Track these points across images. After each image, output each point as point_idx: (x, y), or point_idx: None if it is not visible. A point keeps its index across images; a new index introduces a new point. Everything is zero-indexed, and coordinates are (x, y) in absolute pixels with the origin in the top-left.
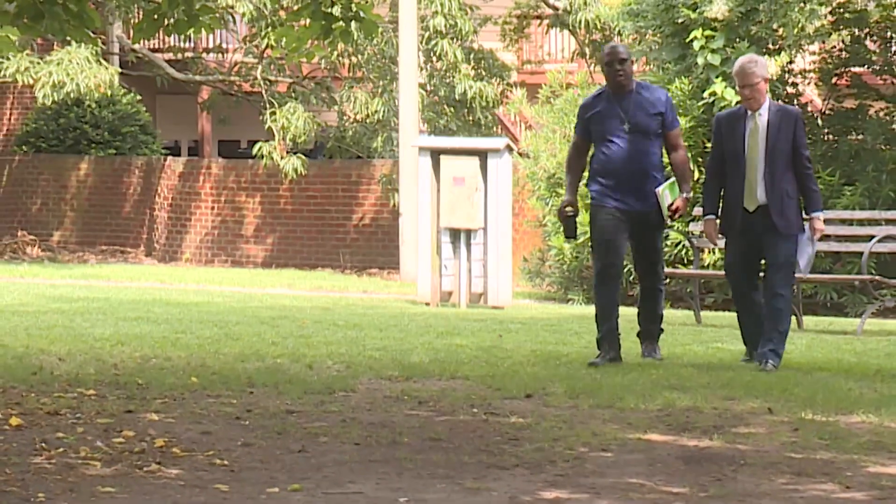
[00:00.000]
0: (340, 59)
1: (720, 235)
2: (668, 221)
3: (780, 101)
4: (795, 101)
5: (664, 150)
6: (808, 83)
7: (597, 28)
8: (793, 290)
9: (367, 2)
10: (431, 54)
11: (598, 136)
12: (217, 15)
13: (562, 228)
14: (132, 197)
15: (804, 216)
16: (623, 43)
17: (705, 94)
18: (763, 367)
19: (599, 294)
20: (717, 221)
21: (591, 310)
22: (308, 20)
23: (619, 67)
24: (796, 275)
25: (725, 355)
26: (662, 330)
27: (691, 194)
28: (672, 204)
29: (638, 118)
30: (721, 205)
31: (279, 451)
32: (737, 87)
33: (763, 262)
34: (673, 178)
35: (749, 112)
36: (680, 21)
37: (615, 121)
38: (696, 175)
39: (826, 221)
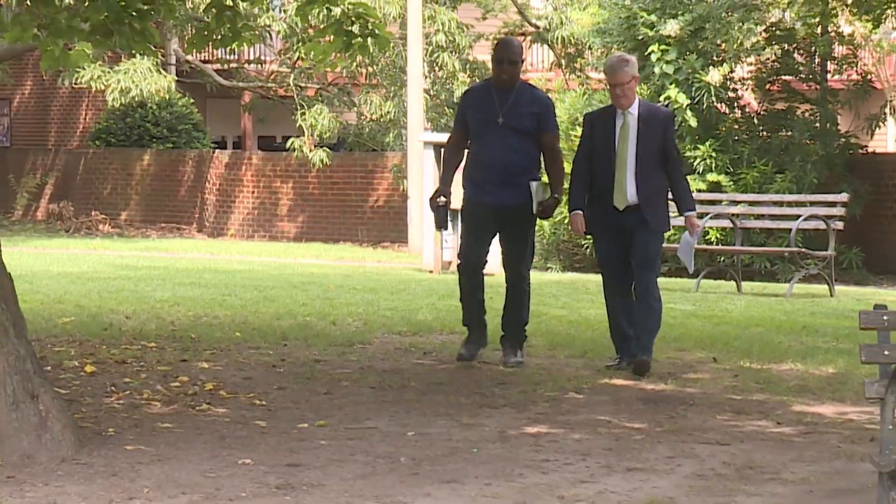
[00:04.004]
0: (359, 68)
1: (587, 234)
2: (536, 214)
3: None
4: (736, 105)
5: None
6: (746, 89)
7: (571, 43)
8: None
9: (380, 21)
10: (434, 65)
11: (474, 126)
12: (256, 32)
13: (434, 218)
14: (186, 183)
15: (680, 216)
16: (518, 40)
17: (661, 99)
18: (640, 357)
19: (463, 289)
20: (583, 215)
21: (567, 276)
22: (332, 36)
23: (507, 67)
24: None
25: (677, 314)
26: (526, 336)
27: (563, 198)
28: (542, 202)
29: (512, 114)
30: (589, 203)
31: (308, 393)
32: (607, 85)
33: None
34: (546, 181)
35: (619, 110)
36: (640, 37)
37: (491, 114)
38: None
39: (760, 204)
